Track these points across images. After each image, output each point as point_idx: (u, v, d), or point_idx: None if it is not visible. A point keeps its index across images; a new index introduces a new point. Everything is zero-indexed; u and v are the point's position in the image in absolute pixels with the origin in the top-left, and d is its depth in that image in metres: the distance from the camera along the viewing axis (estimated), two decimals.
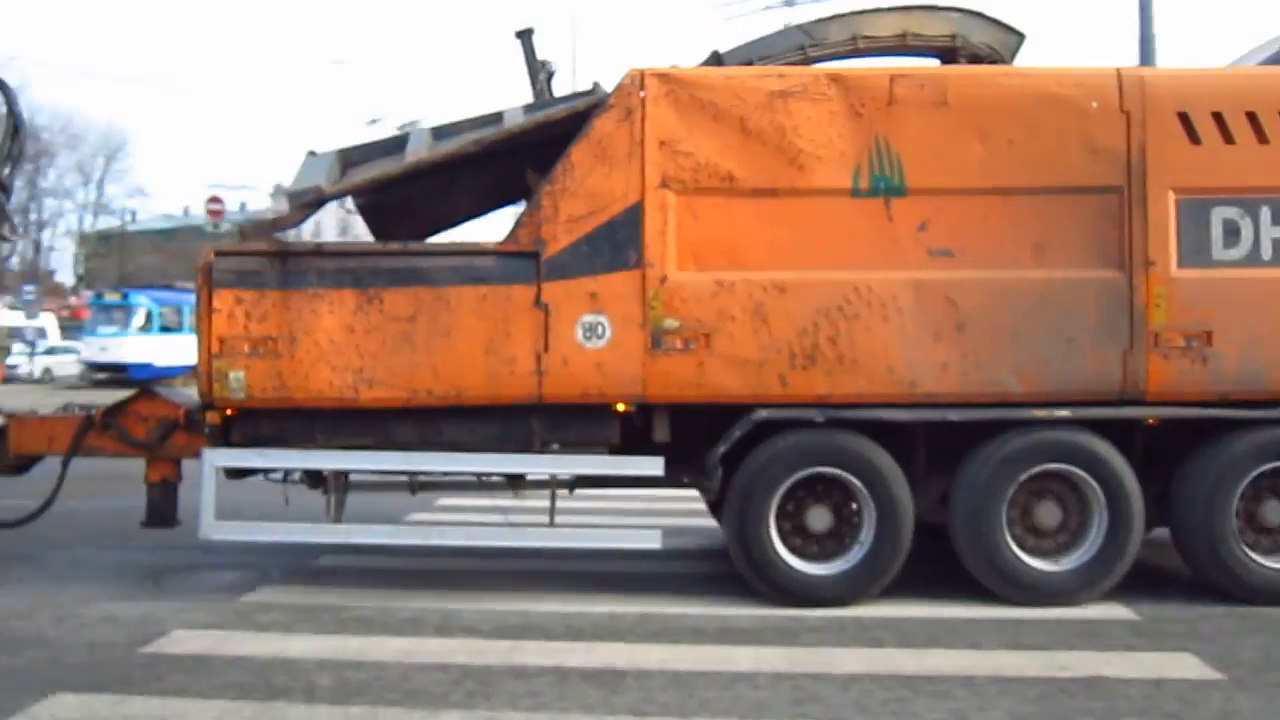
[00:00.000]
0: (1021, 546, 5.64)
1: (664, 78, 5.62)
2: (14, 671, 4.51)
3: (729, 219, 5.58)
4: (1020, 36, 7.35)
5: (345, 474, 5.96)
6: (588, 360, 5.52)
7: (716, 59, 6.69)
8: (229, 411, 5.68)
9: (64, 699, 4.17)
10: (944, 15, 7.23)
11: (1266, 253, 5.61)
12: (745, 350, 5.51)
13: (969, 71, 6.14)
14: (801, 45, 6.92)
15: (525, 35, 6.74)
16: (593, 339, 5.53)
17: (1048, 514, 5.67)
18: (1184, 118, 5.58)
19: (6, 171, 6.93)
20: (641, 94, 5.56)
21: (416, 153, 5.95)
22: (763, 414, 5.52)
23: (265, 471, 6.06)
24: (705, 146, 5.55)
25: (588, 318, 5.53)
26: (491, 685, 4.37)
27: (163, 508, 6.41)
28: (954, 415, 5.57)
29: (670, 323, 5.52)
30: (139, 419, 6.27)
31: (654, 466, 5.61)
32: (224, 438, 5.75)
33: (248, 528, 5.89)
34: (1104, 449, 5.56)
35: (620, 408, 5.60)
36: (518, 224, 5.63)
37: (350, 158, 6.24)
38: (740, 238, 5.58)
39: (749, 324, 5.51)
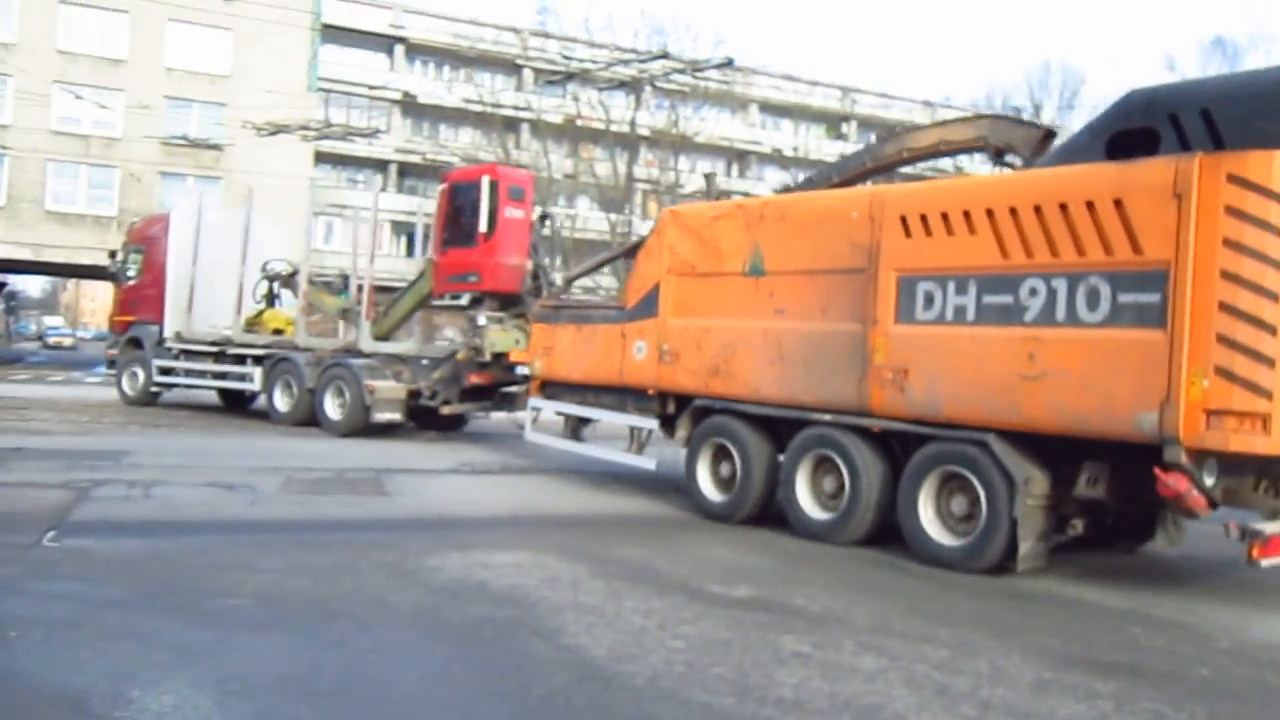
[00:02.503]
0: (813, 500, 8.69)
1: (674, 213, 10.16)
2: None
3: (692, 289, 9.81)
4: (1042, 129, 9.29)
5: (578, 416, 11.72)
6: (637, 365, 10.37)
7: (810, 183, 10.57)
8: (539, 381, 12.01)
9: None
10: (974, 123, 9.79)
11: (949, 315, 7.62)
12: (692, 365, 9.74)
13: (799, 197, 9.17)
14: (864, 161, 10.28)
15: (710, 177, 11.48)
16: (639, 354, 10.36)
17: (827, 483, 8.58)
18: (903, 220, 7.93)
19: (546, 262, 14.33)
20: (665, 222, 10.19)
21: (593, 260, 11.46)
22: (698, 402, 9.69)
23: (563, 414, 12.14)
24: (685, 249, 9.89)
25: (638, 342, 10.38)
26: None
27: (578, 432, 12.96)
28: (775, 413, 8.94)
29: (665, 346, 10.04)
30: None
31: (653, 424, 10.22)
32: (542, 393, 12.10)
33: (542, 439, 12.11)
34: (849, 442, 8.30)
35: (650, 392, 10.31)
36: (621, 292, 10.74)
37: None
38: (695, 299, 9.77)
39: (694, 349, 9.72)
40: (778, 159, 50.21)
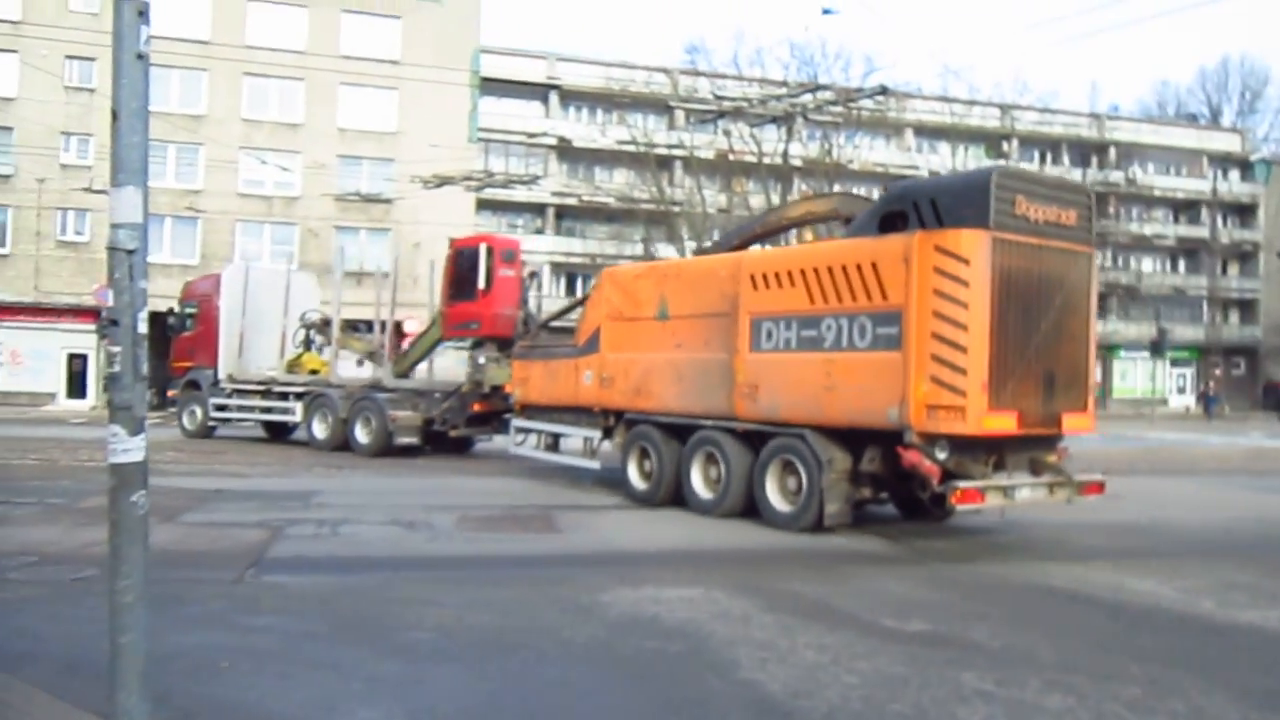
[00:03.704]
0: (703, 485, 11.69)
1: (610, 272, 13.34)
2: None
3: (622, 330, 12.93)
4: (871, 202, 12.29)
5: (549, 431, 14.82)
6: (586, 389, 13.49)
7: (718, 245, 13.70)
8: (519, 405, 15.17)
9: None
10: (830, 198, 12.87)
11: (781, 345, 10.65)
12: (622, 387, 12.84)
13: (691, 260, 12.32)
14: (755, 228, 13.40)
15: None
16: (587, 381, 13.48)
17: (713, 471, 11.59)
18: (752, 277, 10.99)
19: (534, 311, 17.54)
20: (603, 280, 13.35)
21: (558, 309, 14.62)
22: (627, 415, 12.78)
23: (538, 431, 15.25)
24: (616, 300, 13.03)
25: (586, 372, 13.50)
26: None
27: (554, 446, 16.09)
28: (677, 421, 11.99)
29: (605, 374, 13.15)
30: None
31: (598, 434, 13.32)
32: (523, 415, 15.23)
33: (524, 452, 15.24)
34: (724, 440, 11.30)
35: (595, 410, 13.40)
36: (574, 333, 13.90)
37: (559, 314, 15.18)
38: (624, 338, 12.88)
39: (624, 375, 12.82)
40: None
